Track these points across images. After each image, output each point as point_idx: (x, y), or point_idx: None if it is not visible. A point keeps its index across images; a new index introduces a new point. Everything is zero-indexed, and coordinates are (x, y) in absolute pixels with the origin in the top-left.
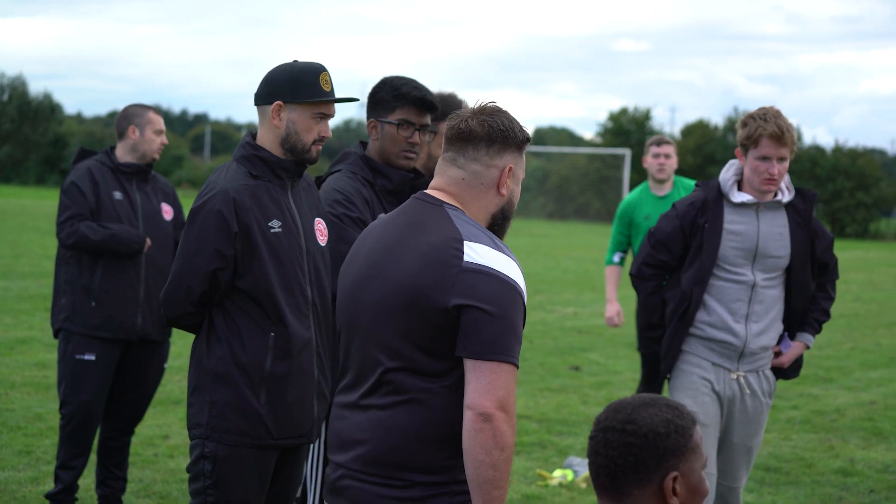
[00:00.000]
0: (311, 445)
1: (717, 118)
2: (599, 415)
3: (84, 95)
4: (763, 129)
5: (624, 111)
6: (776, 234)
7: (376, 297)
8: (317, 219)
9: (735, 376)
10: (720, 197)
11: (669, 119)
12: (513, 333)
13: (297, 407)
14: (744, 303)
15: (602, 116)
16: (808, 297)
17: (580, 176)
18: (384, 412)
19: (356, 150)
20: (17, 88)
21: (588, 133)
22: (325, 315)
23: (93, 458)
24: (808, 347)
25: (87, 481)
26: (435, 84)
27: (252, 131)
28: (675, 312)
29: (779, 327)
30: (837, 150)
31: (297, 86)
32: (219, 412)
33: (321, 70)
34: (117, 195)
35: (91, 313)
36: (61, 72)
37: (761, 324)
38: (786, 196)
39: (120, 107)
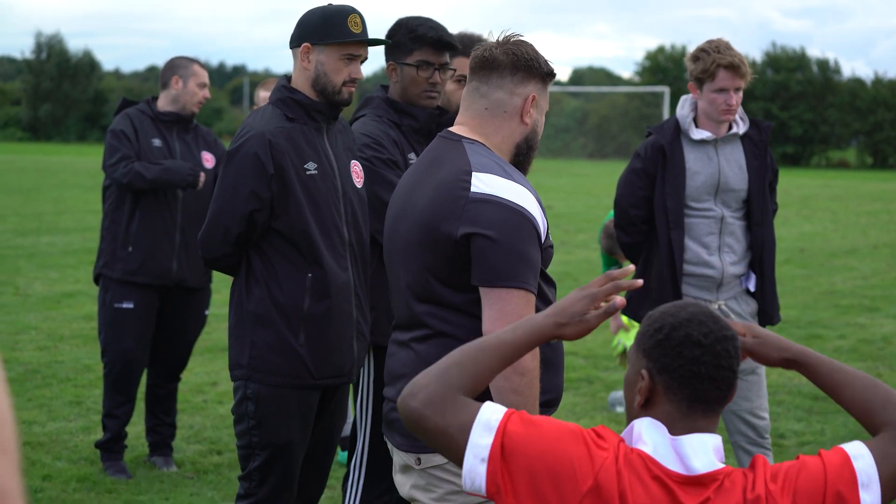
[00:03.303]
0: (360, 386)
1: (754, 53)
2: (687, 329)
3: (122, 52)
4: (720, 61)
5: (661, 49)
6: (735, 167)
7: (402, 234)
8: (353, 161)
9: (717, 306)
10: (678, 137)
11: None
12: (520, 258)
13: (336, 347)
14: (715, 236)
15: (638, 55)
16: (769, 229)
17: (620, 115)
18: (420, 346)
19: (378, 94)
20: (54, 47)
21: (626, 72)
22: (363, 255)
23: (142, 405)
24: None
25: (138, 429)
26: (469, 29)
27: (288, 75)
28: (662, 266)
29: (749, 255)
30: (877, 81)
31: (324, 28)
32: (259, 353)
33: (351, 12)
34: (156, 142)
35: (127, 258)
36: (98, 29)
37: (734, 254)
38: (741, 128)
39: (158, 62)
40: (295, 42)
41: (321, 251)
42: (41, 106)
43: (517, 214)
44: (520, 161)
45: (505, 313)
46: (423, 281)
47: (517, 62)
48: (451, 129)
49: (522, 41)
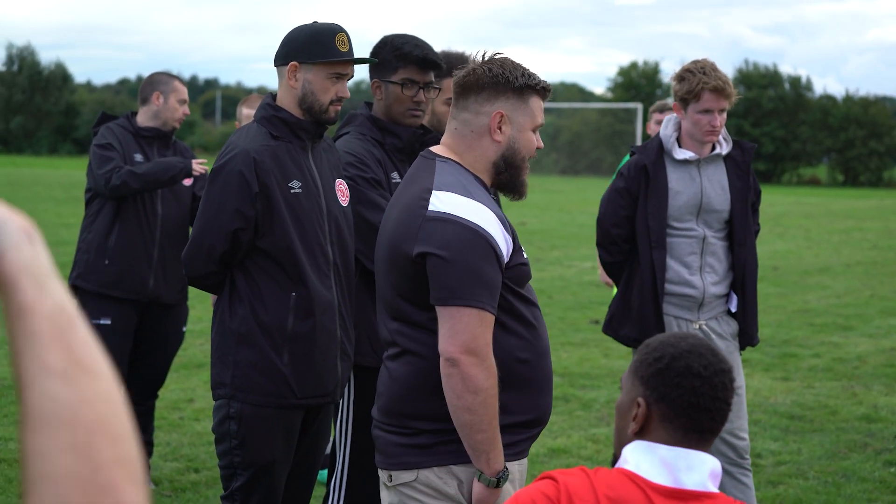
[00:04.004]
0: (341, 406)
1: (726, 69)
2: (688, 360)
3: (93, 64)
4: (705, 83)
5: (634, 66)
6: (718, 188)
7: (379, 253)
8: (338, 179)
9: (697, 325)
10: (661, 157)
11: None
12: (473, 277)
13: (320, 366)
14: (697, 255)
15: (611, 71)
16: (751, 249)
17: (592, 131)
18: (391, 364)
19: (362, 112)
20: (26, 59)
21: (598, 88)
22: (348, 275)
23: None
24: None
25: None
26: (443, 44)
27: (273, 93)
28: (644, 285)
29: (731, 275)
30: (848, 98)
31: (312, 46)
32: (242, 372)
33: (338, 30)
34: (137, 157)
35: (104, 271)
36: (70, 41)
37: (716, 274)
38: (724, 148)
39: (130, 74)
40: (281, 60)
41: (305, 270)
42: (13, 118)
43: (471, 233)
44: (503, 180)
45: (457, 332)
46: (393, 299)
47: (481, 81)
48: (431, 148)
49: (497, 59)
